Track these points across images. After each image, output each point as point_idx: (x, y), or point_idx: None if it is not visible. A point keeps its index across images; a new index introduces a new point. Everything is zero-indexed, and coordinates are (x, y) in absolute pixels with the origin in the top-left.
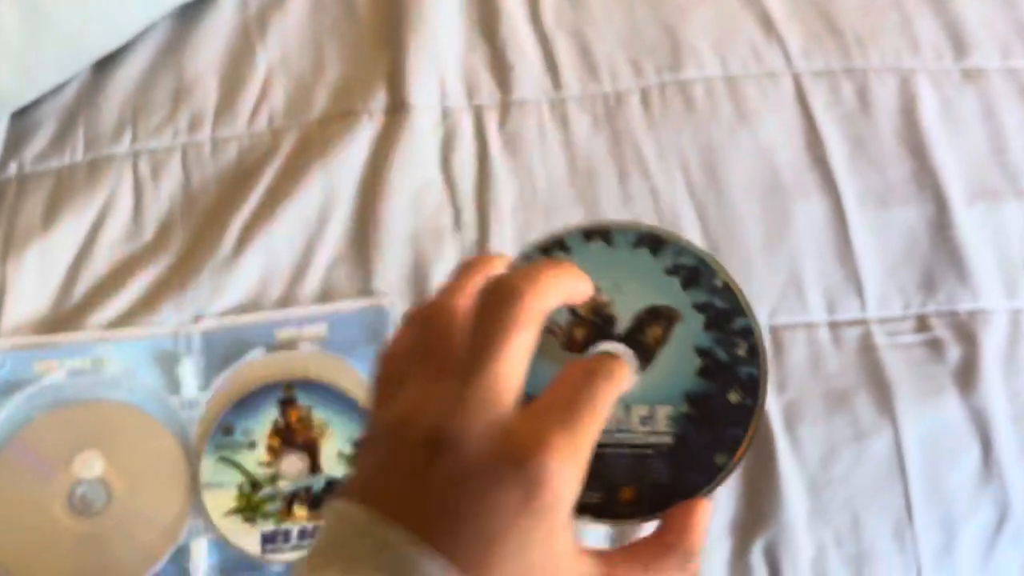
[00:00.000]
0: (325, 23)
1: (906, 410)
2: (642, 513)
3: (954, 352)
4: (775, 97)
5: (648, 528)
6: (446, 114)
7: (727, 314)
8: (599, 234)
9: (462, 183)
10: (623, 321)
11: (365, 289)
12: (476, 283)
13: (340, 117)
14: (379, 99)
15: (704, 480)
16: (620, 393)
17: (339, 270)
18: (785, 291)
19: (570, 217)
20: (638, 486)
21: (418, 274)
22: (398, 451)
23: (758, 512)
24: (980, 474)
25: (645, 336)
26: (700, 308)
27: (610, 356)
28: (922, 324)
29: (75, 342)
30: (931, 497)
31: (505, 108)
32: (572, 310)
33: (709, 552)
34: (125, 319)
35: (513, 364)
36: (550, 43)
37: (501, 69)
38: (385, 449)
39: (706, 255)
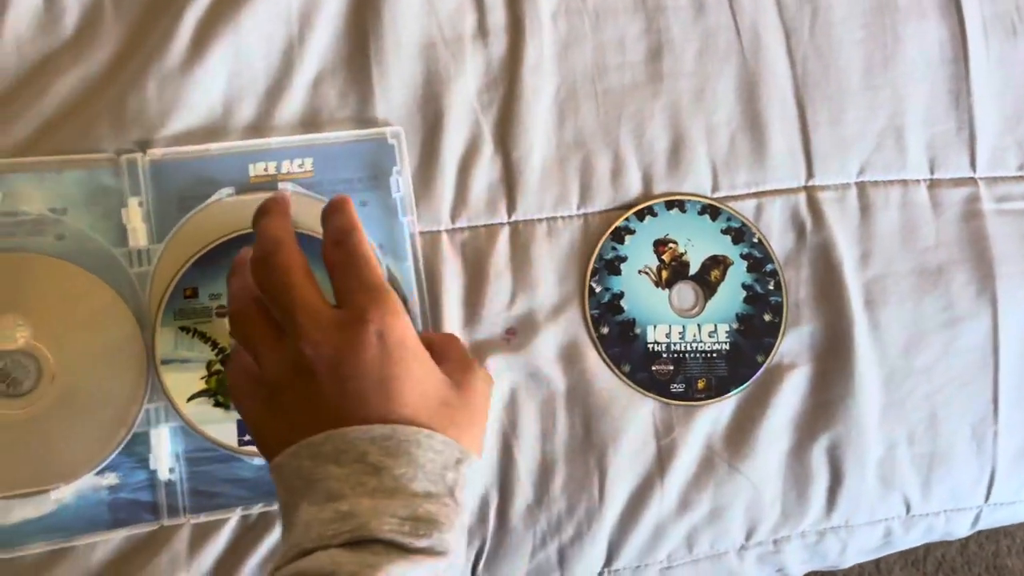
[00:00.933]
0: None
1: (1009, 291)
2: (712, 396)
3: None
4: None
5: (714, 406)
6: None
7: (761, 261)
8: (676, 204)
9: None
10: (694, 265)
11: (361, 115)
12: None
13: None
14: None
15: (751, 373)
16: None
17: (328, 88)
18: (882, 139)
19: (627, 27)
20: (708, 378)
21: (429, 96)
22: (286, 394)
23: (826, 406)
24: None
25: (709, 276)
26: (744, 257)
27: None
28: None
29: None
30: (1022, 392)
31: None
32: (660, 258)
33: (768, 450)
34: (42, 142)
35: (306, 289)
36: None
37: None
38: (267, 403)
39: (746, 220)
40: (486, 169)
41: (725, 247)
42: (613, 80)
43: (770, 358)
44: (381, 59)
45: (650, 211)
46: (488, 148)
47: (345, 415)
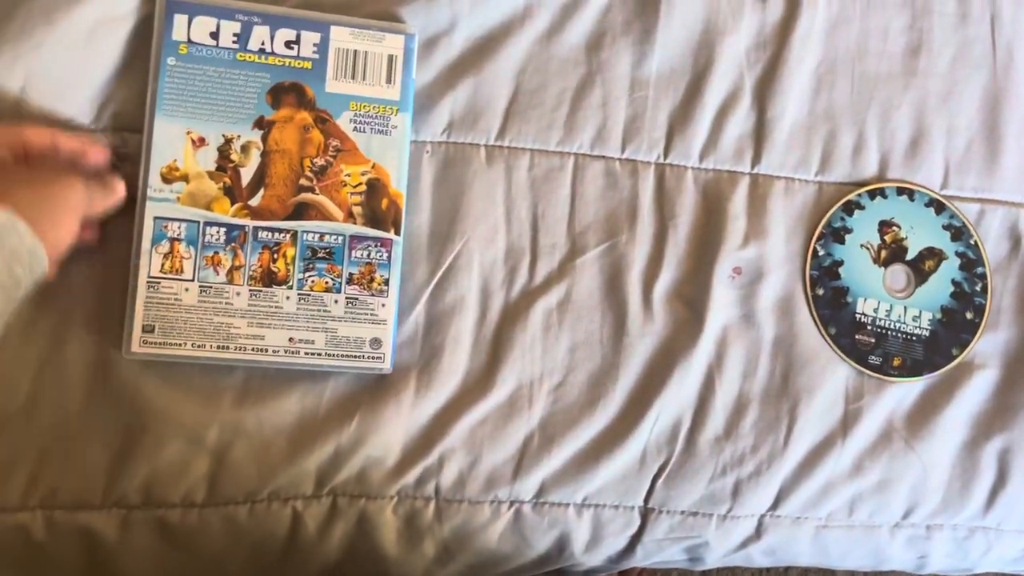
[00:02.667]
0: None
1: None
2: (905, 374)
3: None
4: None
5: (904, 385)
6: None
7: (974, 262)
8: (906, 192)
9: None
10: (912, 251)
11: (641, 43)
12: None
13: None
14: None
15: (944, 362)
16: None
17: (616, 14)
18: None
19: (893, 19)
20: (904, 358)
21: (704, 43)
22: None
23: (1007, 410)
24: None
25: (924, 264)
26: (959, 255)
27: None
28: None
29: None
30: None
31: None
32: (882, 237)
33: (945, 438)
34: None
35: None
36: None
37: None
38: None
39: (968, 221)
40: (741, 121)
41: (943, 241)
42: (871, 65)
43: (965, 353)
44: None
45: (881, 192)
46: (746, 101)
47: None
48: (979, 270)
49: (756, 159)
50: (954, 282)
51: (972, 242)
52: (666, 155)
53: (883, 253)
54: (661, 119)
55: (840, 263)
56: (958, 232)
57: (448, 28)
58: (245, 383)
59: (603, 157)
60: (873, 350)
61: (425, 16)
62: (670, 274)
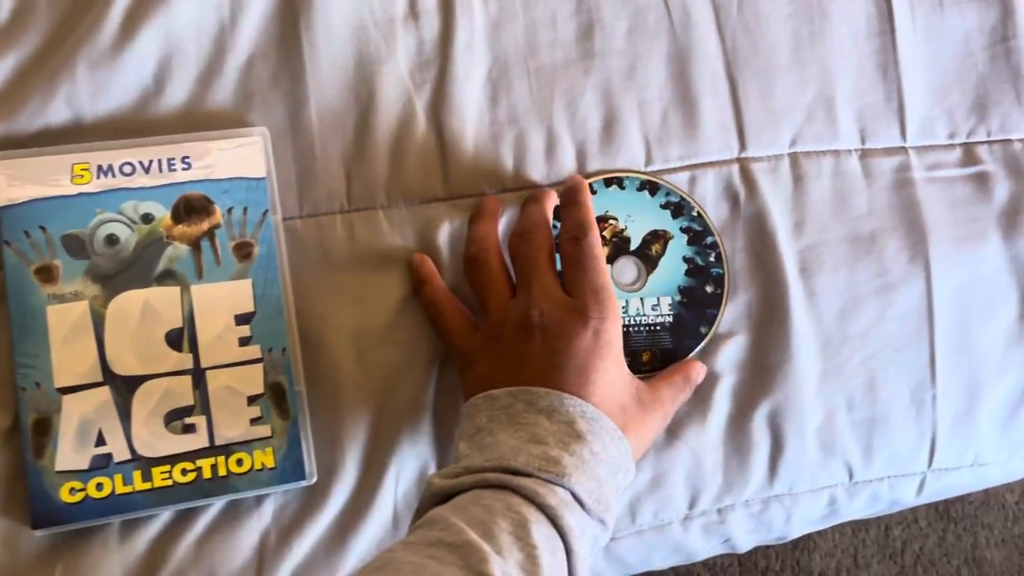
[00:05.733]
0: None
1: (942, 256)
2: (657, 368)
3: (1002, 189)
4: None
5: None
6: None
7: (701, 234)
8: (615, 181)
9: None
10: (635, 241)
11: (292, 95)
12: (499, 224)
13: None
14: None
15: (695, 344)
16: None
17: (260, 70)
18: (812, 111)
19: (558, 6)
20: (652, 351)
21: (361, 77)
22: (503, 345)
23: (764, 374)
24: (1015, 331)
25: (650, 250)
26: (684, 230)
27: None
28: (969, 156)
29: None
30: (958, 357)
31: None
32: (601, 235)
33: (707, 418)
34: None
35: (550, 269)
36: None
37: None
38: (490, 351)
39: (685, 194)
40: (420, 147)
41: (665, 221)
42: (545, 58)
43: (713, 329)
44: (313, 41)
45: (589, 189)
46: (422, 126)
47: (543, 380)
48: (708, 240)
49: (446, 183)
50: (686, 259)
51: (694, 213)
52: (350, 204)
53: (606, 250)
54: (335, 167)
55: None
56: (678, 207)
57: (74, 123)
58: None
59: (286, 218)
60: None
61: (42, 118)
62: None
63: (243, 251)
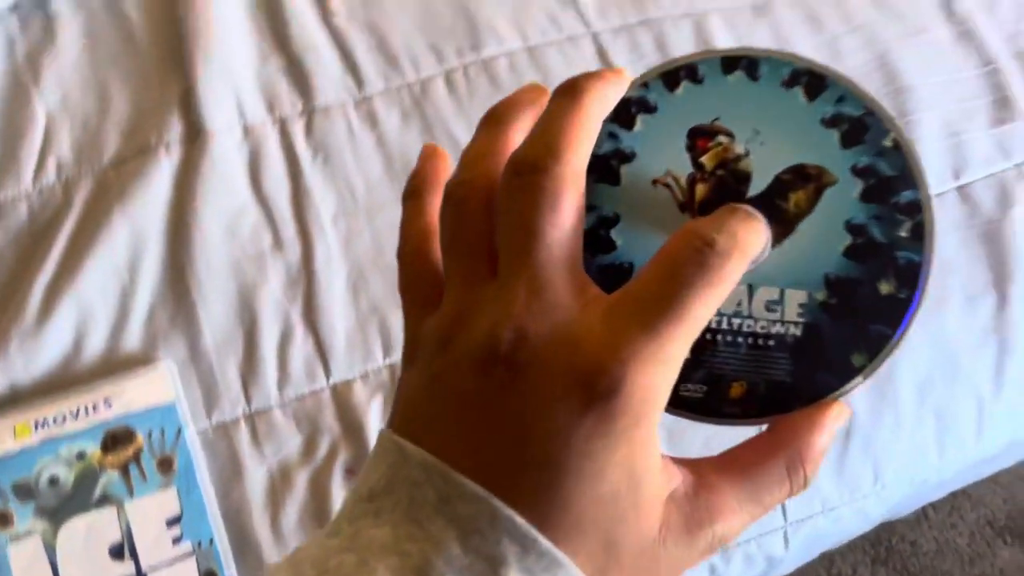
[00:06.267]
0: (103, 56)
1: None
2: (752, 414)
3: None
4: (578, 60)
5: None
6: (248, 132)
7: (893, 183)
8: (743, 64)
9: (277, 200)
10: (760, 180)
11: (188, 330)
12: (513, 140)
13: (135, 155)
14: (174, 129)
15: (835, 382)
16: (748, 267)
17: (161, 316)
18: None
19: (396, 214)
20: (751, 381)
21: (244, 303)
22: (445, 372)
23: None
24: None
25: (786, 201)
26: (860, 172)
27: (738, 213)
28: None
29: None
30: None
31: (309, 116)
32: (696, 160)
33: None
34: None
35: (564, 246)
36: (345, 41)
37: (299, 76)
38: (428, 371)
39: (878, 105)
40: (300, 347)
41: (825, 151)
42: (392, 256)
43: (879, 360)
44: (199, 284)
45: (690, 72)
46: (299, 332)
47: (482, 463)
48: (906, 196)
49: (327, 373)
50: (851, 227)
51: (886, 142)
52: (250, 408)
53: (701, 190)
54: (233, 380)
55: (614, 220)
56: (856, 128)
57: (11, 390)
58: None
59: (199, 431)
60: (691, 372)
61: None
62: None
63: (165, 465)
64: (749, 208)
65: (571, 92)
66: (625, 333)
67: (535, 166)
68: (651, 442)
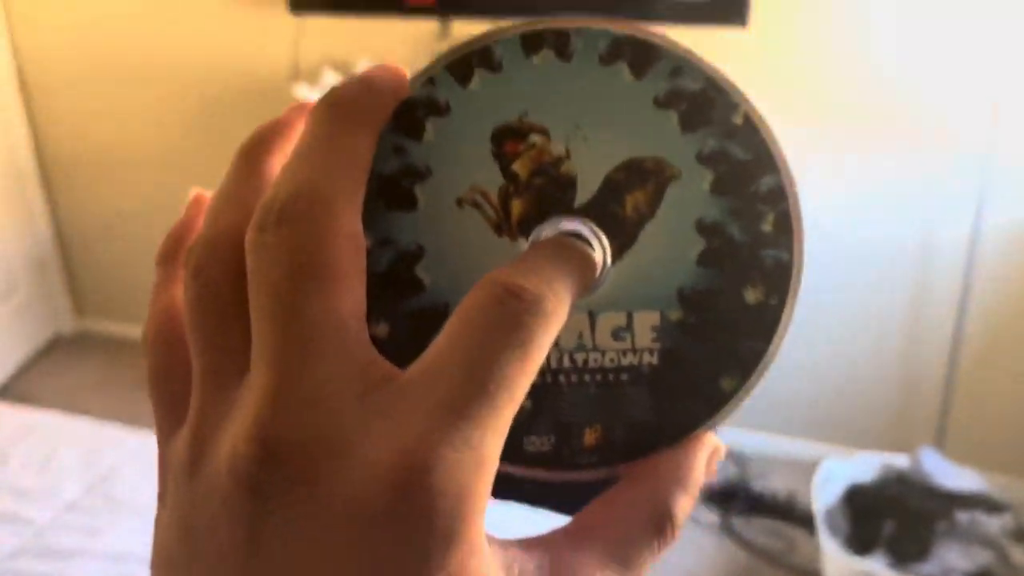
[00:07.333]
0: None
1: None
2: (613, 460)
3: None
4: None
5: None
6: None
7: (748, 168)
8: (548, 40)
9: None
10: (588, 183)
11: None
12: (270, 179)
13: None
14: None
15: (704, 413)
16: (575, 300)
17: None
18: None
19: None
20: (607, 425)
21: None
22: (193, 510)
23: None
24: None
25: (622, 206)
26: (707, 160)
27: (546, 248)
28: None
29: None
30: None
31: None
32: (506, 169)
33: None
34: None
35: (331, 317)
36: None
37: None
38: (177, 509)
39: (722, 74)
40: None
41: (662, 139)
42: None
43: (752, 381)
44: None
45: (484, 58)
46: None
47: None
48: (767, 182)
49: None
50: (704, 227)
51: (738, 119)
52: None
53: (515, 204)
54: None
55: (416, 255)
56: (698, 105)
57: None
58: None
59: None
60: (534, 422)
61: None
62: None
63: None
64: (565, 240)
65: (329, 107)
66: (423, 425)
67: (282, 215)
68: (478, 551)
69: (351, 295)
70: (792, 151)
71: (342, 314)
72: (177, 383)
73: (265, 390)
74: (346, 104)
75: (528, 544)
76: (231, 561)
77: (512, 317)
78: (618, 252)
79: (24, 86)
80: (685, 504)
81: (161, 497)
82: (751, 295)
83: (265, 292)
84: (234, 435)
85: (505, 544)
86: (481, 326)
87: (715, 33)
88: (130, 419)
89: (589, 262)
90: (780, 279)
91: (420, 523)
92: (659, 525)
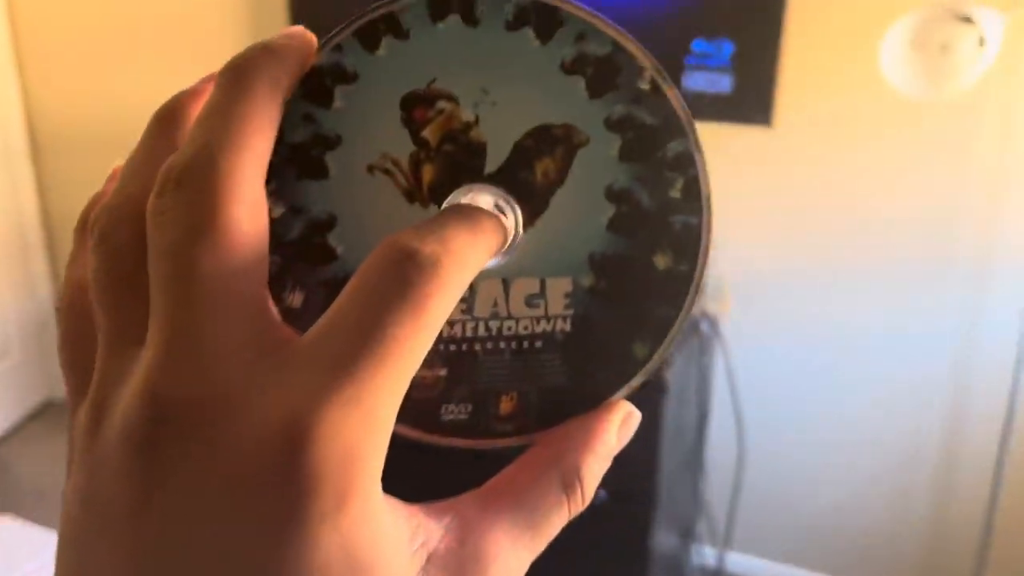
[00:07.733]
0: None
1: None
2: (528, 429)
3: None
4: None
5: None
6: None
7: (656, 134)
8: (454, 5)
9: None
10: (498, 150)
11: None
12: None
13: None
14: None
15: (616, 379)
16: (477, 271)
17: None
18: None
19: None
20: (522, 392)
21: None
22: (94, 476)
23: None
24: None
25: (531, 172)
26: (615, 126)
27: (450, 213)
28: None
29: None
30: None
31: None
32: (416, 135)
33: None
34: None
35: (229, 277)
36: None
37: None
38: (80, 475)
39: (628, 38)
40: None
41: (570, 104)
42: None
43: (664, 348)
44: None
45: (391, 24)
46: None
47: None
48: (674, 147)
49: None
50: (613, 193)
51: (644, 85)
52: None
53: (425, 170)
54: None
55: (328, 223)
56: (605, 69)
57: None
58: None
59: None
60: (451, 391)
61: None
62: None
63: None
64: (471, 205)
65: (231, 74)
66: (310, 384)
67: (180, 179)
68: (371, 515)
69: (249, 258)
70: (816, 258)
71: (238, 276)
72: (86, 353)
73: (156, 348)
74: (247, 69)
75: (436, 509)
76: (125, 524)
77: (404, 277)
78: (530, 219)
79: (34, 146)
80: (595, 468)
81: (68, 469)
82: (661, 261)
83: (161, 254)
84: (127, 396)
85: (411, 511)
86: (374, 286)
87: (738, 131)
88: None
89: (497, 227)
90: (689, 246)
91: (305, 484)
92: (568, 488)
